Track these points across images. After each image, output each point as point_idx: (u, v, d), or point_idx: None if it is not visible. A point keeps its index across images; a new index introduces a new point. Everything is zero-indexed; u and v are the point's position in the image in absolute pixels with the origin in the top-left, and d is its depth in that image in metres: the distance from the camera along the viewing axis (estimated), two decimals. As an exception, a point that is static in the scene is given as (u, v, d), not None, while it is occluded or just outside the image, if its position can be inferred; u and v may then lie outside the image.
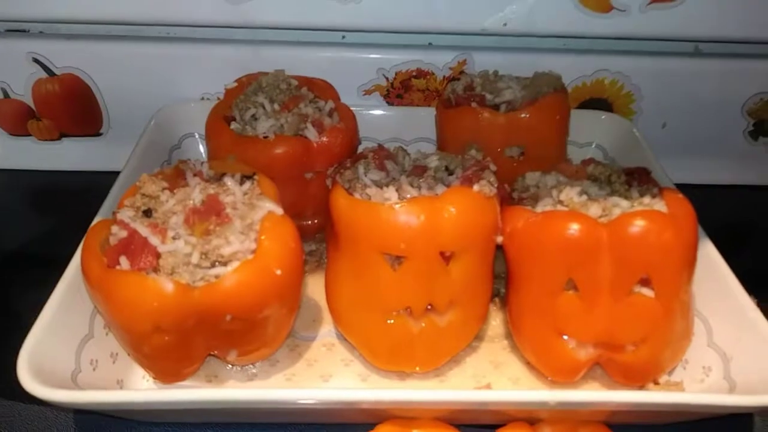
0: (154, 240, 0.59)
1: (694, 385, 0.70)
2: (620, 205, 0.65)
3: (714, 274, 0.72)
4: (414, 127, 1.01)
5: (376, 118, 1.00)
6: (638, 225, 0.62)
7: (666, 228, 0.63)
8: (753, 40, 0.97)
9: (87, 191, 0.84)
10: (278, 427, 0.68)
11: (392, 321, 0.68)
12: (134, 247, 0.59)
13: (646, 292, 0.65)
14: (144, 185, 0.65)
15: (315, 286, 0.82)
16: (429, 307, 0.69)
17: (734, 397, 0.62)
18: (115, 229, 0.62)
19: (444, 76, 1.01)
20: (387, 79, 1.01)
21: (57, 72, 0.99)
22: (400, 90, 1.03)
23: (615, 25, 0.95)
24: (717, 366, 0.68)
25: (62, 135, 1.06)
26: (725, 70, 1.00)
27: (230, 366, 0.73)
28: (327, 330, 0.78)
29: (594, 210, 0.65)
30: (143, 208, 0.63)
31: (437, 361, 0.72)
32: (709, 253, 0.74)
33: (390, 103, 1.04)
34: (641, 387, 0.71)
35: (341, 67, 0.99)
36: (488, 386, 0.72)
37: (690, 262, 0.66)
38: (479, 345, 0.77)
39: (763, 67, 1.00)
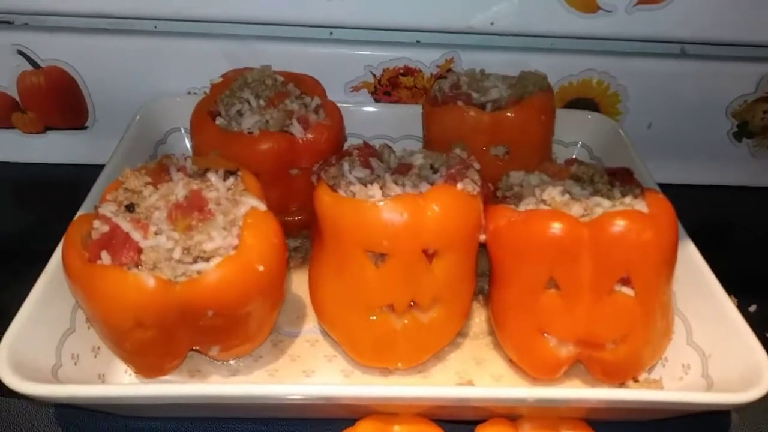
0: (136, 235, 0.59)
1: (673, 382, 0.70)
2: (602, 205, 0.66)
3: (695, 274, 0.73)
4: (401, 124, 1.01)
5: (364, 115, 1.00)
6: (619, 225, 0.63)
7: (646, 228, 0.63)
8: (738, 42, 0.98)
9: (72, 185, 0.84)
10: (260, 422, 0.68)
11: (375, 318, 0.69)
12: (116, 241, 0.59)
13: (626, 291, 0.65)
14: (127, 180, 0.65)
15: (300, 283, 0.82)
16: (412, 304, 0.69)
17: (711, 395, 0.63)
18: (96, 223, 0.62)
19: (431, 74, 1.01)
20: (374, 76, 1.02)
21: (42, 64, 0.98)
22: (387, 87, 1.03)
23: (601, 26, 0.95)
24: (696, 364, 0.69)
25: (47, 128, 1.05)
26: (710, 71, 1.01)
27: (217, 361, 0.73)
28: (311, 326, 0.78)
29: (576, 209, 0.65)
30: (126, 202, 0.63)
31: (419, 357, 0.72)
32: (690, 254, 0.74)
33: (377, 100, 1.04)
34: (621, 384, 0.72)
35: (329, 63, 0.99)
36: (470, 383, 0.73)
37: (670, 261, 0.67)
38: (463, 342, 0.78)
39: (747, 70, 1.01)
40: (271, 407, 0.65)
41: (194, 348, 0.69)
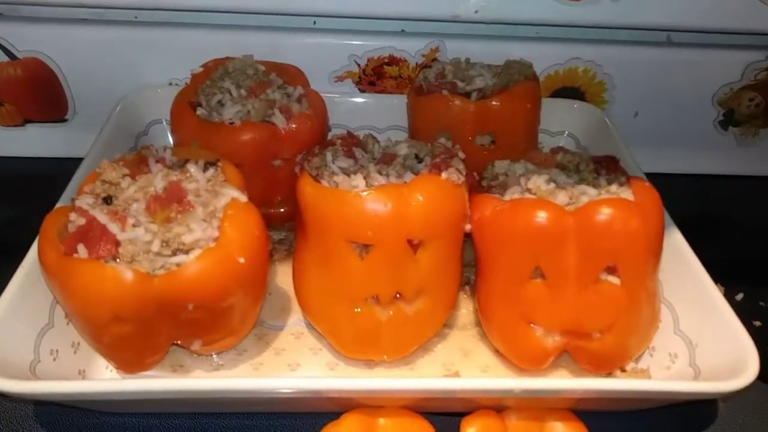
0: (113, 227, 0.58)
1: (661, 371, 0.70)
2: (588, 193, 0.65)
3: (681, 262, 0.73)
4: (386, 114, 1.00)
5: (348, 106, 0.99)
6: (605, 213, 0.62)
7: (632, 216, 0.63)
8: (724, 30, 0.97)
9: (52, 178, 0.82)
10: (245, 416, 0.67)
11: (360, 309, 0.68)
12: (92, 234, 0.58)
13: (613, 279, 0.65)
14: (104, 172, 0.63)
15: (284, 275, 0.81)
16: (397, 295, 0.68)
17: (698, 384, 0.63)
18: (73, 216, 0.60)
19: (417, 63, 1.01)
20: (359, 65, 1.00)
21: (20, 56, 0.96)
22: (372, 77, 1.02)
23: (587, 14, 0.95)
24: (683, 353, 0.69)
25: (26, 121, 1.03)
26: (696, 60, 1.00)
27: (200, 356, 0.72)
28: (296, 319, 0.77)
29: (561, 198, 0.65)
30: (103, 195, 0.62)
31: (405, 349, 0.72)
32: (676, 242, 0.74)
33: (362, 90, 1.03)
34: (609, 374, 0.71)
35: (313, 53, 0.98)
36: (456, 374, 0.72)
37: (656, 250, 0.67)
38: (450, 333, 0.77)
39: (733, 58, 1.01)
40: (255, 401, 0.64)
41: (176, 342, 0.68)
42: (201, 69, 0.86)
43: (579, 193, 0.66)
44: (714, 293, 0.68)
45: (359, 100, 1.00)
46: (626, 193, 0.66)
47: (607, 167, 0.70)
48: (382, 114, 1.00)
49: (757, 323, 0.81)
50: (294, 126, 0.79)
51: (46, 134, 1.04)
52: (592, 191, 0.66)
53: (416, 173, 0.67)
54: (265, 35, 0.96)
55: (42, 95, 1.00)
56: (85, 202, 0.61)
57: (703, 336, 0.68)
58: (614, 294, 0.65)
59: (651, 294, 0.68)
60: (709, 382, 0.61)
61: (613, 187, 0.66)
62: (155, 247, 0.59)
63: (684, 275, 0.72)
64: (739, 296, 0.85)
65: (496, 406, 0.65)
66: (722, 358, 0.64)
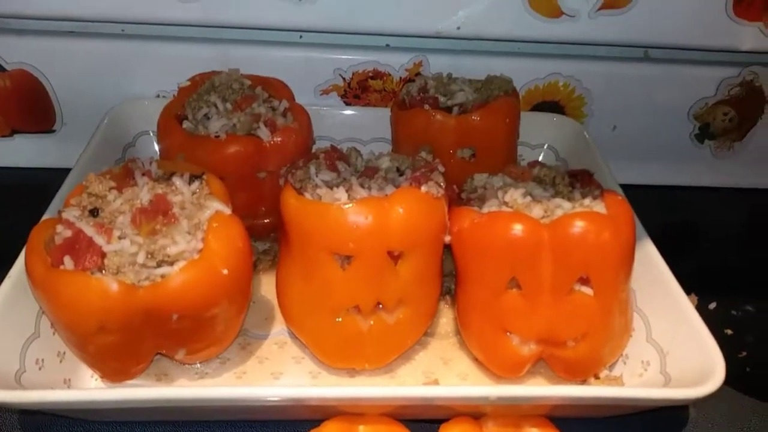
0: (99, 240, 0.59)
1: (634, 379, 0.72)
2: (562, 207, 0.67)
3: (654, 273, 0.75)
4: (371, 127, 1.01)
5: (334, 118, 1.01)
6: (578, 226, 0.64)
7: (604, 229, 0.65)
8: (699, 47, 1.00)
9: (40, 189, 0.83)
10: (228, 424, 0.68)
11: (341, 319, 0.69)
12: (79, 246, 0.59)
13: (586, 290, 0.67)
14: (90, 184, 0.65)
15: (268, 285, 0.83)
16: (378, 305, 0.70)
17: (669, 391, 0.64)
18: (59, 228, 0.61)
19: (400, 78, 1.03)
20: (344, 79, 1.02)
21: (8, 68, 0.98)
22: (357, 90, 1.04)
23: (565, 30, 0.97)
24: (654, 361, 0.71)
25: (14, 131, 1.04)
26: (673, 75, 1.03)
27: (184, 364, 0.73)
28: (279, 328, 0.79)
29: (537, 211, 0.67)
30: (89, 207, 0.63)
31: (386, 358, 0.73)
32: (649, 253, 0.76)
33: (347, 104, 1.05)
34: (583, 381, 0.73)
35: (299, 66, 1.00)
36: (435, 382, 0.74)
37: (627, 261, 0.69)
38: (430, 341, 0.79)
39: (708, 73, 1.04)
40: (238, 410, 0.65)
41: (160, 352, 0.70)
42: (188, 82, 0.88)
43: (554, 206, 0.67)
44: (684, 303, 0.70)
45: (344, 112, 1.02)
46: (599, 207, 0.68)
47: (581, 181, 0.72)
48: (366, 126, 1.02)
49: (729, 332, 0.84)
50: (279, 139, 0.80)
51: (34, 145, 1.05)
52: (566, 204, 0.68)
53: (397, 186, 0.69)
54: (251, 49, 0.98)
55: (30, 106, 1.01)
56: (71, 214, 0.62)
57: (674, 344, 0.69)
58: (587, 304, 0.67)
59: (623, 304, 0.70)
60: (678, 389, 0.63)
61: (587, 201, 0.68)
62: (140, 258, 0.60)
63: (656, 285, 0.74)
64: (712, 305, 0.87)
65: (475, 413, 0.66)
66: (691, 365, 0.66)
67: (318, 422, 0.65)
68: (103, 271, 0.59)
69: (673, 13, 0.96)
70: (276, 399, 0.60)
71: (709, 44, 1.00)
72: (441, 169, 0.72)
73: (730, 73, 1.03)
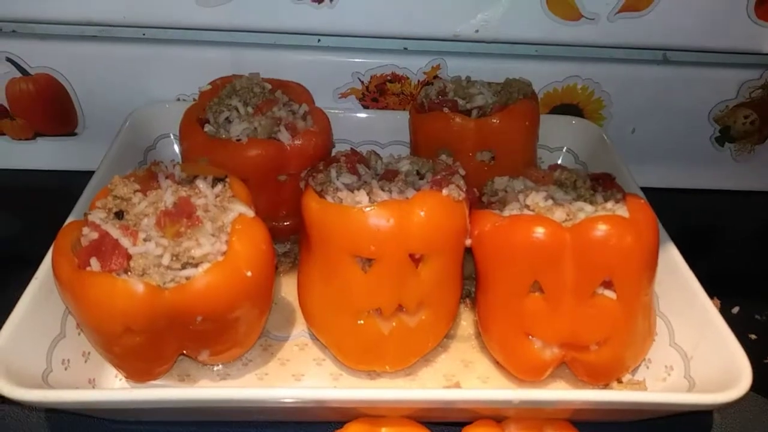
0: (125, 242, 0.60)
1: (657, 383, 0.72)
2: (584, 210, 0.67)
3: (677, 276, 0.74)
4: (389, 130, 1.02)
5: (352, 121, 1.01)
6: (601, 229, 0.64)
7: (627, 232, 0.65)
8: (719, 49, 1.00)
9: (62, 191, 0.84)
10: (249, 425, 0.69)
11: (363, 322, 0.70)
12: (105, 248, 0.60)
13: (608, 293, 0.66)
14: (116, 187, 0.65)
15: (289, 287, 0.83)
16: (399, 308, 0.70)
17: (693, 396, 0.64)
18: (86, 230, 0.62)
19: (418, 81, 1.03)
20: (362, 82, 1.03)
21: (31, 72, 0.99)
22: (375, 93, 1.04)
23: (584, 33, 0.97)
24: (678, 365, 0.70)
25: (37, 134, 1.06)
26: (692, 77, 1.02)
27: (207, 365, 0.73)
28: (300, 330, 0.79)
29: (559, 214, 0.67)
30: (115, 209, 0.64)
31: (407, 360, 0.73)
32: (672, 257, 0.76)
33: (365, 107, 1.05)
34: (606, 386, 0.73)
35: (317, 70, 1.00)
36: (457, 385, 0.74)
37: (650, 265, 0.68)
38: (450, 344, 0.79)
39: (728, 76, 1.03)
40: (260, 410, 0.66)
41: (184, 353, 0.70)
42: (209, 86, 0.88)
43: (576, 209, 0.67)
44: (708, 306, 0.70)
45: (362, 115, 1.03)
46: (622, 210, 0.67)
47: (603, 184, 0.71)
48: (384, 129, 1.02)
49: (753, 336, 0.83)
50: (299, 142, 0.81)
51: (56, 148, 1.06)
52: (588, 208, 0.67)
53: (418, 189, 0.69)
54: (271, 53, 0.99)
55: (53, 110, 1.02)
56: (97, 216, 0.63)
57: (698, 348, 0.69)
58: (610, 308, 0.66)
59: (646, 307, 0.70)
60: (703, 394, 0.63)
61: (609, 204, 0.68)
62: (165, 260, 0.60)
63: (679, 289, 0.73)
64: (735, 310, 0.86)
65: (496, 416, 0.66)
66: (716, 370, 0.65)
67: (340, 424, 0.65)
68: (129, 273, 0.60)
69: (694, 16, 0.96)
70: (297, 401, 0.60)
71: (730, 46, 0.99)
72: (462, 172, 0.72)
73: (752, 76, 1.02)
